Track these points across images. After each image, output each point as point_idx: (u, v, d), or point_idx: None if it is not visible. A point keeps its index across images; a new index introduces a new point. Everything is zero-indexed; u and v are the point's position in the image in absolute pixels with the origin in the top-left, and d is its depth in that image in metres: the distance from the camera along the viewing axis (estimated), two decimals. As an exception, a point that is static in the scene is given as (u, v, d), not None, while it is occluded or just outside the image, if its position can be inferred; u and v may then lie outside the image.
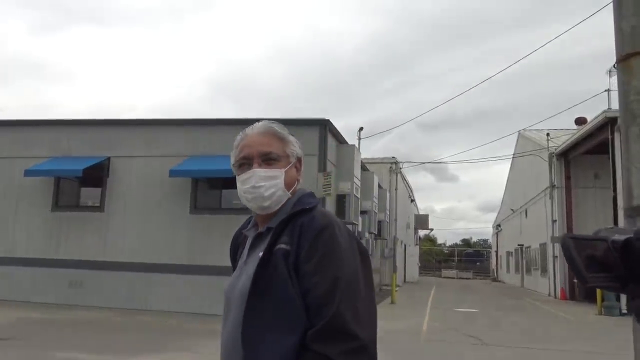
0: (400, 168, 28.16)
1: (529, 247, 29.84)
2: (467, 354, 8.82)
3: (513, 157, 32.82)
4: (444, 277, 46.44)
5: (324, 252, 1.36)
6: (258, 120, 1.59)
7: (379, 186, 21.20)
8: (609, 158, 16.44)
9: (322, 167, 12.55)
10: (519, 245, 33.44)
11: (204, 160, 12.49)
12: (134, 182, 13.25)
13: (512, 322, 13.45)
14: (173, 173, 12.41)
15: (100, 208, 13.36)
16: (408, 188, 35.15)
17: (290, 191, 1.52)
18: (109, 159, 13.47)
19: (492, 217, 70.91)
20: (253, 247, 1.52)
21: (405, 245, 32.47)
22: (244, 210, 1.50)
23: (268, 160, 1.50)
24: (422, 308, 16.11)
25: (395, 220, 26.73)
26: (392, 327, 10.84)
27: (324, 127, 12.81)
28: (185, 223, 12.76)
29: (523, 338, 10.60)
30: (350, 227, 13.66)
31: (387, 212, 23.92)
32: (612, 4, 1.71)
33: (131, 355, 7.49)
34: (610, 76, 17.91)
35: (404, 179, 31.20)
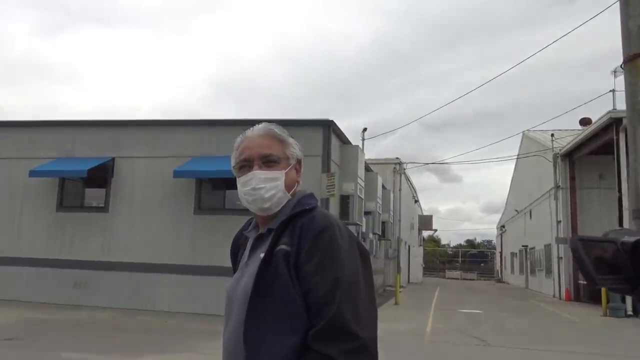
0: (404, 169, 28.13)
1: (534, 248, 29.73)
2: (471, 355, 8.79)
3: (517, 158, 32.72)
4: (448, 278, 46.33)
5: (324, 253, 1.37)
6: (262, 121, 1.60)
7: (383, 187, 21.17)
8: (613, 159, 16.38)
9: (326, 168, 12.54)
10: (523, 246, 33.32)
11: (208, 161, 12.50)
12: (138, 182, 13.27)
13: (516, 323, 13.39)
14: (177, 174, 12.43)
15: (104, 209, 13.38)
16: (412, 189, 35.09)
17: (291, 193, 1.53)
18: (113, 159, 13.50)
19: (496, 218, 70.96)
20: (254, 248, 1.53)
21: (409, 246, 32.39)
22: (247, 211, 1.50)
23: (268, 162, 1.51)
24: (426, 309, 16.08)
25: (399, 221, 26.66)
26: (395, 328, 10.83)
27: (327, 127, 12.79)
28: (189, 223, 12.78)
29: (527, 339, 10.54)
30: (354, 228, 13.65)
31: (391, 213, 23.87)
32: (618, 4, 1.69)
33: (134, 356, 7.50)
34: (615, 76, 17.87)
35: (407, 179, 31.16)
